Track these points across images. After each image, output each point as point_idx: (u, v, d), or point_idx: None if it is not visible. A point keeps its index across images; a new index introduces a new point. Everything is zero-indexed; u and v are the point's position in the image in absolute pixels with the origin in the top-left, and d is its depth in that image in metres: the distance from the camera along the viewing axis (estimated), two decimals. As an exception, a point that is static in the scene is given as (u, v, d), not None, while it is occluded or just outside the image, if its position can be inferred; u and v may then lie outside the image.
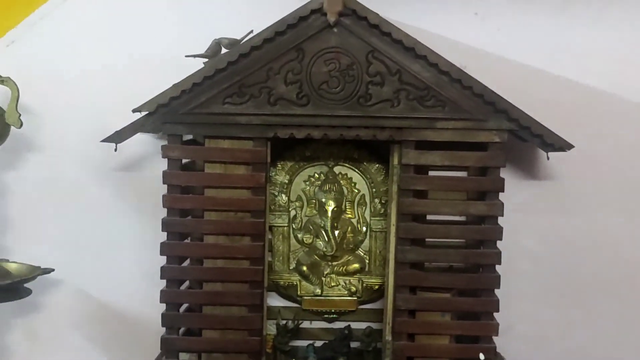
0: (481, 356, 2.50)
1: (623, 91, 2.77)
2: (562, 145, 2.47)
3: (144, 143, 2.73)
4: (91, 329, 2.85)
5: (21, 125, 2.51)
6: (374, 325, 2.72)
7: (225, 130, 2.44)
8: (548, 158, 2.58)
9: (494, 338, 2.52)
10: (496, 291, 2.50)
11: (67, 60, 2.79)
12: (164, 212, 2.49)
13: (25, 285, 2.51)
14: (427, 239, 2.54)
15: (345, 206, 2.77)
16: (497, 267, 2.50)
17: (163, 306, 2.51)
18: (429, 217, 2.54)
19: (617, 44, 2.77)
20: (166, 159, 2.46)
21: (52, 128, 2.76)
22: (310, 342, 2.72)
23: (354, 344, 2.72)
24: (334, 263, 2.78)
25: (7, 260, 2.57)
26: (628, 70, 2.78)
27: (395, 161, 2.49)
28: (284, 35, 2.39)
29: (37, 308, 2.82)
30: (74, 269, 2.81)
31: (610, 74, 2.77)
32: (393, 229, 2.52)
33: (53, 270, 2.58)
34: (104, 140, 2.48)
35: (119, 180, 2.81)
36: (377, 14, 2.36)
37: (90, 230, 2.83)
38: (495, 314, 2.50)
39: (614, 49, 2.76)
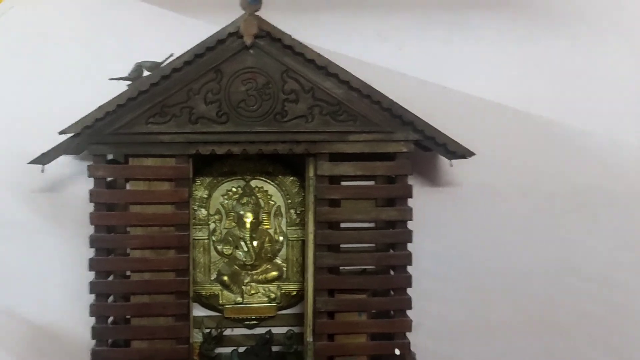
0: (396, 351, 2.55)
1: (510, 102, 2.90)
2: (464, 153, 2.55)
3: (65, 165, 2.73)
4: (20, 348, 2.79)
5: None
6: (293, 329, 2.76)
7: (149, 148, 2.42)
8: (451, 165, 2.67)
9: (407, 334, 2.59)
10: (408, 290, 2.57)
11: None
12: (89, 231, 2.47)
13: None
14: (342, 245, 2.58)
15: (262, 218, 2.78)
16: (408, 267, 2.58)
17: (91, 321, 2.49)
18: (343, 224, 2.58)
19: (501, 59, 2.88)
20: (92, 179, 2.44)
21: None
22: (234, 348, 2.74)
23: (275, 348, 2.73)
24: (253, 272, 2.78)
25: None
26: (514, 83, 2.90)
27: (311, 173, 2.51)
28: (203, 57, 2.39)
29: None
30: (5, 291, 2.77)
31: (499, 86, 2.88)
32: (311, 237, 2.54)
33: None
34: (31, 162, 2.44)
35: (43, 202, 2.76)
36: (290, 36, 2.38)
37: (16, 251, 2.79)
38: (407, 312, 2.58)
39: (499, 64, 2.88)
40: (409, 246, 2.60)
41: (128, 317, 2.54)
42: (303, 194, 2.75)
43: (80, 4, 2.80)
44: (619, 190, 3.00)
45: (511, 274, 2.99)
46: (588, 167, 2.99)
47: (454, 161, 2.65)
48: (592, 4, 2.93)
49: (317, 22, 2.82)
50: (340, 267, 2.61)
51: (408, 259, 2.60)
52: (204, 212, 2.78)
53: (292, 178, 2.80)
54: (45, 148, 2.49)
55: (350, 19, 2.86)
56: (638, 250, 2.97)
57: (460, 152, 2.59)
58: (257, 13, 2.40)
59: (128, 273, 2.54)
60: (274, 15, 2.48)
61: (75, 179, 2.77)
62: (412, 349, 2.63)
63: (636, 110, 2.97)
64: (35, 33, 2.78)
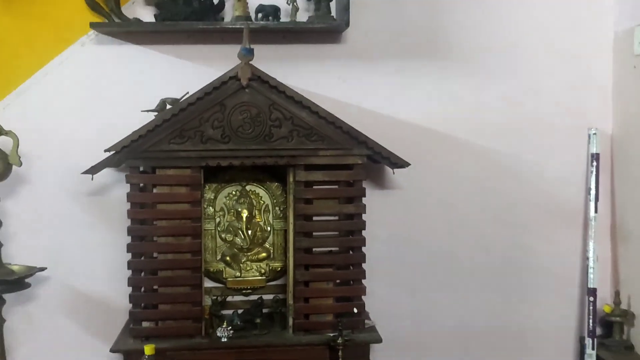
0: (355, 310, 2.76)
1: (434, 126, 3.07)
2: (403, 164, 2.81)
3: (108, 174, 2.90)
4: (73, 312, 3.00)
5: (21, 164, 2.69)
6: (279, 295, 2.94)
7: (171, 162, 2.66)
8: (394, 173, 2.93)
9: (363, 297, 2.80)
10: (362, 265, 2.79)
11: (49, 118, 2.92)
12: (126, 223, 2.67)
13: (26, 280, 2.69)
14: (314, 232, 2.79)
15: (255, 213, 2.99)
16: (363, 248, 2.79)
17: (128, 290, 2.69)
18: (315, 217, 2.78)
19: (429, 95, 3.07)
20: (128, 184, 2.66)
21: (39, 167, 2.91)
22: (234, 310, 2.88)
23: (265, 310, 2.91)
24: (248, 254, 2.99)
25: (11, 264, 2.74)
26: (437, 112, 3.07)
27: (291, 179, 2.76)
28: (211, 95, 2.64)
29: (32, 297, 2.95)
30: (60, 268, 2.95)
31: (427, 114, 3.07)
32: (291, 227, 2.78)
33: (45, 268, 2.75)
34: (84, 173, 2.72)
35: (92, 202, 2.97)
36: (275, 79, 2.65)
37: (71, 239, 2.97)
38: (362, 281, 2.79)
39: (427, 98, 3.07)
40: (364, 232, 2.81)
41: (155, 287, 2.73)
42: (285, 195, 2.95)
43: (121, 57, 2.96)
44: (515, 191, 3.19)
45: (439, 251, 3.17)
46: (493, 173, 3.16)
47: (396, 170, 2.90)
48: (490, 54, 3.11)
49: (295, 69, 3.00)
50: (313, 249, 2.81)
51: (363, 242, 2.81)
52: (211, 209, 2.98)
53: (276, 183, 3.02)
54: (94, 162, 2.74)
55: (318, 67, 3.05)
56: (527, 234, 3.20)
57: (400, 163, 2.82)
58: (250, 63, 2.63)
59: (155, 255, 2.73)
60: (263, 64, 2.69)
61: (115, 185, 2.97)
62: (366, 308, 2.86)
63: (523, 130, 3.15)
64: (89, 79, 2.96)
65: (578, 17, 3.12)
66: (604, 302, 3.13)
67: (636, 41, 2.94)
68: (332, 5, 2.90)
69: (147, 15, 2.90)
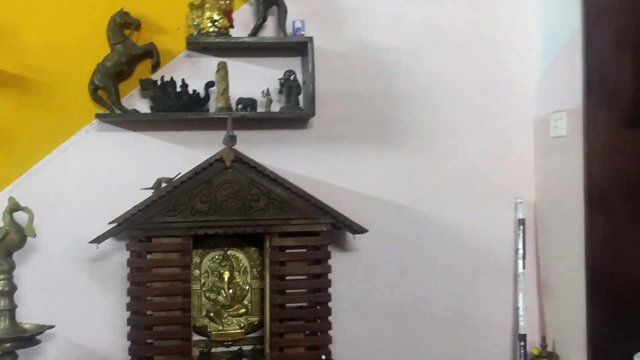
0: (323, 357, 2.98)
1: (387, 197, 3.35)
2: (362, 230, 3.08)
3: (110, 243, 3.09)
4: None
5: (35, 236, 2.87)
6: (257, 346, 3.13)
7: (165, 232, 2.89)
8: (354, 238, 3.18)
9: (330, 346, 2.99)
10: (329, 318, 3.00)
11: (57, 195, 3.12)
12: (125, 285, 2.91)
13: (37, 337, 2.85)
14: (287, 290, 2.98)
15: (235, 274, 3.16)
16: (329, 303, 3.01)
17: (125, 344, 2.90)
18: (287, 277, 2.98)
19: (381, 171, 3.35)
20: (125, 251, 2.90)
21: (48, 237, 3.09)
22: None
23: (245, 359, 3.07)
24: (230, 310, 3.15)
25: (22, 323, 2.88)
26: (388, 185, 3.34)
27: (267, 245, 2.99)
28: (200, 174, 2.89)
29: (40, 352, 3.08)
30: (66, 326, 3.08)
31: (380, 188, 3.33)
32: (268, 285, 3.00)
33: (54, 326, 2.91)
34: (90, 242, 2.91)
35: (97, 266, 3.14)
36: (254, 160, 2.91)
37: (76, 300, 3.12)
38: (329, 332, 3.00)
39: (380, 174, 3.35)
40: (329, 290, 3.05)
41: (151, 341, 2.93)
42: (261, 258, 3.17)
43: (121, 142, 3.19)
44: (456, 252, 3.48)
45: (393, 304, 3.38)
46: (437, 236, 3.44)
47: (356, 235, 3.15)
48: (432, 137, 3.44)
49: (270, 151, 3.26)
50: (286, 304, 3.03)
51: (329, 298, 3.05)
52: (197, 272, 3.17)
53: (254, 248, 3.22)
54: (97, 233, 2.93)
55: (289, 149, 3.30)
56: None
57: (359, 230, 3.09)
58: (233, 147, 2.90)
59: (149, 312, 2.94)
60: (243, 147, 2.95)
61: (116, 252, 3.16)
62: (332, 356, 3.06)
63: (461, 199, 3.46)
64: (93, 161, 3.18)
65: (505, 104, 3.46)
66: (533, 345, 3.36)
67: (552, 125, 3.32)
68: (300, 97, 3.19)
69: (143, 106, 3.14)
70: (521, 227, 3.45)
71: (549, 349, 3.35)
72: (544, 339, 3.37)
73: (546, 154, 3.42)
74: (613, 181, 3.06)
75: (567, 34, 3.18)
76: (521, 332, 3.41)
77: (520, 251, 3.45)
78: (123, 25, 3.13)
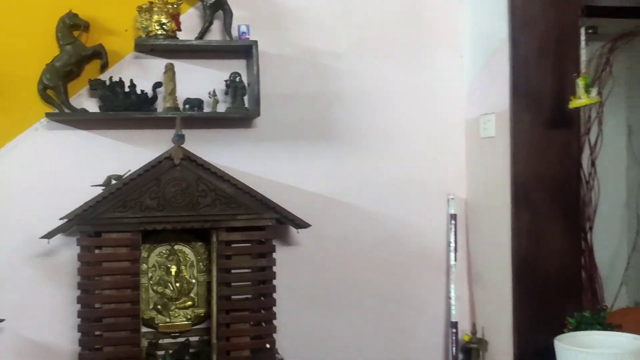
0: (267, 345, 3.09)
1: (328, 193, 3.47)
2: (304, 225, 3.21)
3: (60, 238, 3.13)
4: (27, 357, 3.15)
5: None
6: (204, 337, 3.22)
7: (115, 227, 2.96)
8: (298, 232, 3.31)
9: (274, 335, 3.11)
10: (273, 308, 3.12)
11: (7, 192, 3.16)
12: (75, 279, 2.98)
13: None
14: (232, 283, 3.07)
15: (182, 268, 3.25)
16: (273, 294, 3.13)
17: (75, 336, 2.97)
18: (233, 270, 3.07)
19: (321, 170, 3.47)
20: (75, 246, 2.97)
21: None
22: (166, 350, 3.15)
23: (192, 350, 3.15)
24: (177, 302, 3.23)
25: None
26: (329, 183, 3.49)
27: (214, 239, 3.08)
28: (149, 172, 2.97)
29: None
30: (15, 320, 3.13)
31: (321, 185, 3.46)
32: (214, 278, 3.08)
33: (4, 320, 2.99)
34: (42, 237, 2.97)
35: (46, 261, 3.17)
36: (201, 158, 3.01)
37: (27, 294, 3.15)
38: (273, 321, 3.12)
39: (321, 173, 3.47)
40: (274, 282, 3.16)
41: (100, 333, 3.00)
42: (207, 252, 3.26)
43: (70, 140, 3.25)
44: (394, 245, 3.63)
45: (335, 295, 3.52)
46: (375, 231, 3.60)
47: (300, 230, 3.29)
48: (371, 138, 3.59)
49: (216, 149, 3.34)
50: (232, 296, 3.14)
51: (273, 289, 3.17)
52: (145, 266, 3.24)
53: (200, 243, 3.31)
54: (47, 229, 3.01)
55: (235, 148, 3.40)
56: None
57: (302, 224, 3.24)
58: (182, 146, 3.01)
59: (99, 305, 3.01)
60: (191, 146, 3.06)
61: (67, 247, 3.20)
62: (276, 345, 3.19)
63: (398, 196, 3.62)
64: (42, 158, 3.22)
65: (438, 106, 3.63)
66: (464, 332, 3.55)
67: (481, 127, 3.52)
68: (246, 98, 3.29)
69: (91, 105, 3.20)
70: (453, 222, 3.63)
71: (479, 335, 3.55)
72: (474, 325, 3.58)
73: (476, 154, 3.61)
74: (536, 178, 3.28)
75: (495, 42, 3.38)
76: (453, 319, 3.58)
77: (452, 244, 3.62)
78: (72, 26, 3.18)
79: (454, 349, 3.56)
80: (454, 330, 3.58)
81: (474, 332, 3.56)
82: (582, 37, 3.05)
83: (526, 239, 3.28)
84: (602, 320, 3.11)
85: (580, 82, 2.99)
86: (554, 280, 3.29)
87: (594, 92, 2.99)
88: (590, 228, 4.00)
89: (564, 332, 3.07)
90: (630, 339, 2.92)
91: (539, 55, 3.26)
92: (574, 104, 3.05)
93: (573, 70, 3.16)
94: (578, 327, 3.09)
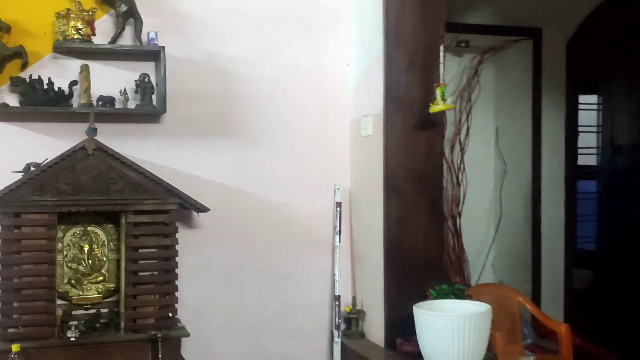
0: (170, 314, 3.37)
1: (230, 182, 3.80)
2: (204, 209, 3.54)
3: None
4: None
5: None
6: (115, 309, 3.48)
7: (33, 209, 3.18)
8: (198, 215, 3.66)
9: (176, 305, 3.38)
10: (175, 282, 3.45)
11: None
12: None
13: None
14: (139, 260, 3.32)
15: (94, 247, 3.47)
16: (176, 269, 3.44)
17: None
18: (141, 250, 3.32)
19: (224, 161, 3.79)
20: (0, 225, 3.22)
21: None
22: (79, 320, 3.31)
23: (102, 319, 3.35)
24: (89, 278, 3.45)
25: None
26: (233, 173, 3.82)
27: (124, 221, 3.33)
28: (65, 161, 3.20)
29: None
30: None
31: (225, 175, 3.79)
32: (123, 255, 3.33)
33: None
34: None
35: None
36: (112, 149, 3.29)
37: None
38: (175, 294, 3.42)
39: (224, 164, 3.79)
40: (176, 259, 3.49)
41: (20, 303, 3.27)
42: (117, 233, 3.55)
43: None
44: (286, 229, 4.03)
45: (232, 272, 3.85)
46: (270, 215, 3.96)
47: (200, 214, 3.65)
48: (267, 133, 3.98)
49: (127, 141, 3.59)
50: (139, 272, 3.45)
51: (176, 265, 3.49)
52: (60, 245, 3.50)
53: (111, 225, 3.59)
54: None
55: (144, 140, 3.66)
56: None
57: (202, 209, 3.58)
58: (95, 138, 3.31)
59: (18, 280, 3.28)
60: (103, 138, 3.34)
61: None
62: (178, 314, 3.53)
63: (290, 184, 4.02)
64: None
65: (327, 107, 4.04)
66: (346, 304, 3.92)
67: (362, 127, 3.95)
68: (154, 97, 3.61)
69: (12, 100, 3.45)
70: (338, 209, 4.00)
71: (358, 307, 3.97)
72: (354, 299, 3.97)
73: (358, 150, 4.00)
74: (405, 172, 3.76)
75: (373, 54, 3.85)
76: (337, 293, 3.94)
77: (337, 228, 3.98)
78: (-5, 28, 3.43)
79: (337, 319, 3.91)
80: (337, 302, 3.93)
81: (354, 304, 3.93)
82: (441, 53, 3.57)
83: (395, 224, 3.75)
84: (457, 292, 3.62)
85: (438, 91, 3.51)
86: (419, 259, 3.78)
87: (449, 99, 3.52)
88: (459, 214, 4.54)
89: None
90: (475, 305, 3.43)
91: (409, 67, 3.75)
92: (433, 109, 3.57)
93: (437, 80, 3.67)
94: (438, 298, 3.56)
